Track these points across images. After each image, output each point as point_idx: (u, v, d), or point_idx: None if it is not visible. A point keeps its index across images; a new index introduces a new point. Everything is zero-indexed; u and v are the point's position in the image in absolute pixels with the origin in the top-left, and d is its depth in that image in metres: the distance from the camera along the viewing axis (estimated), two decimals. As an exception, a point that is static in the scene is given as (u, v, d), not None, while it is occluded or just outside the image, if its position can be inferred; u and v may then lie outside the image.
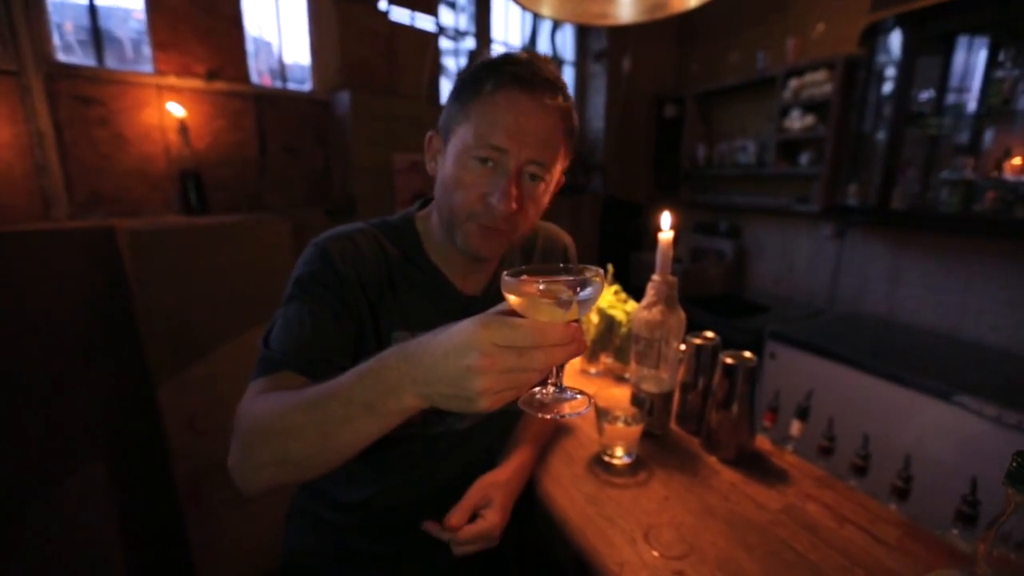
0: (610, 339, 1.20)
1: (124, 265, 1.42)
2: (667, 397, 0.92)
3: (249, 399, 0.57)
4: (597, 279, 0.43)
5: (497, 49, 2.94)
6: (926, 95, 2.02)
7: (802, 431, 1.14)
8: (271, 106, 2.05)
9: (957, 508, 0.84)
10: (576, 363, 1.25)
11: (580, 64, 3.31)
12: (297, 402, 0.51)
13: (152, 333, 1.44)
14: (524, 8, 1.19)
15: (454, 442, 0.79)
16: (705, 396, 0.92)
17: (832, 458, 1.07)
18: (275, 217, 1.72)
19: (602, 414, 0.85)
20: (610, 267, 1.20)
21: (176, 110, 1.77)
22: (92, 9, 1.69)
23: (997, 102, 1.82)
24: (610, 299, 1.21)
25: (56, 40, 1.61)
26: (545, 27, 3.14)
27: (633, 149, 3.48)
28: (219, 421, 1.50)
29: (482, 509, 0.69)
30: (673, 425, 0.97)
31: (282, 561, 0.86)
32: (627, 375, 1.18)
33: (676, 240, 0.88)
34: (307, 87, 2.23)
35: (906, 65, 2.01)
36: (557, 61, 3.22)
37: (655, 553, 0.65)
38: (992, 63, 1.85)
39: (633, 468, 0.83)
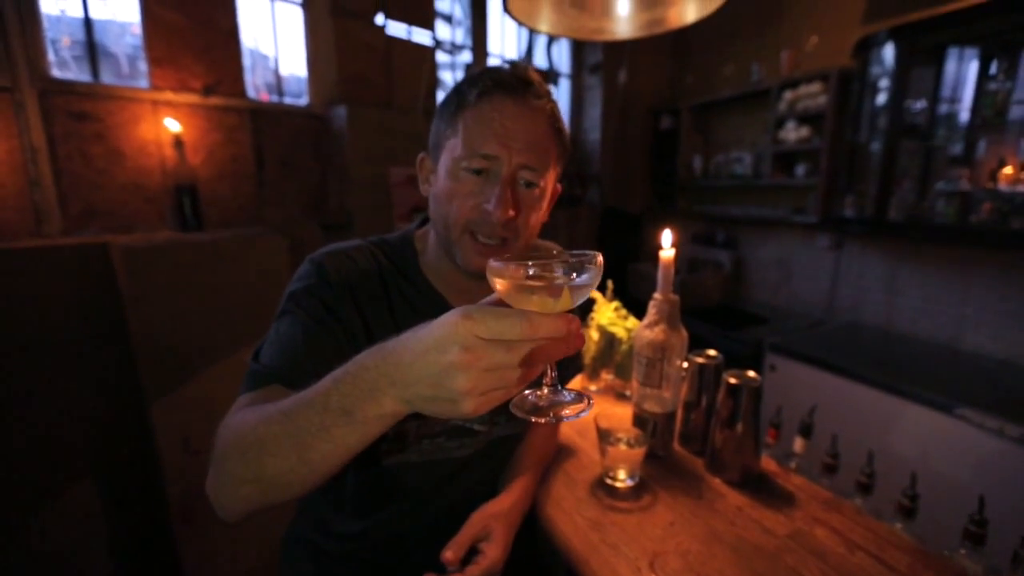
0: (611, 356, 1.19)
1: (117, 281, 1.40)
2: (670, 417, 0.90)
3: (230, 413, 0.55)
4: (592, 265, 0.39)
5: (493, 63, 2.96)
6: (919, 106, 2.04)
7: (805, 448, 1.13)
8: (267, 120, 2.04)
9: (965, 528, 0.83)
10: (576, 381, 1.24)
11: (576, 76, 3.33)
12: (272, 413, 0.48)
13: (146, 350, 1.42)
14: (521, 24, 1.19)
15: (453, 471, 0.77)
16: (708, 416, 0.91)
17: (836, 475, 1.06)
18: (271, 233, 1.71)
19: (604, 436, 0.84)
20: (609, 284, 1.19)
21: (172, 125, 1.77)
22: (88, 24, 1.69)
23: (991, 114, 1.84)
24: (610, 316, 1.19)
25: (51, 56, 1.60)
26: (541, 41, 3.16)
27: (630, 161, 3.49)
28: (214, 441, 1.47)
29: (481, 543, 0.67)
30: (676, 445, 0.95)
31: (277, 590, 0.83)
32: (628, 392, 1.17)
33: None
34: (303, 101, 2.23)
35: (900, 77, 2.03)
36: (553, 74, 3.24)
37: (661, 583, 0.63)
38: (984, 75, 1.87)
39: (637, 491, 0.82)
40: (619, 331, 1.16)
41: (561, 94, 3.35)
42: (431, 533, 0.68)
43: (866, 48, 2.14)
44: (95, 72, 1.71)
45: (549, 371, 0.43)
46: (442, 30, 2.68)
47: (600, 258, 0.40)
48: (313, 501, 0.81)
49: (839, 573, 0.65)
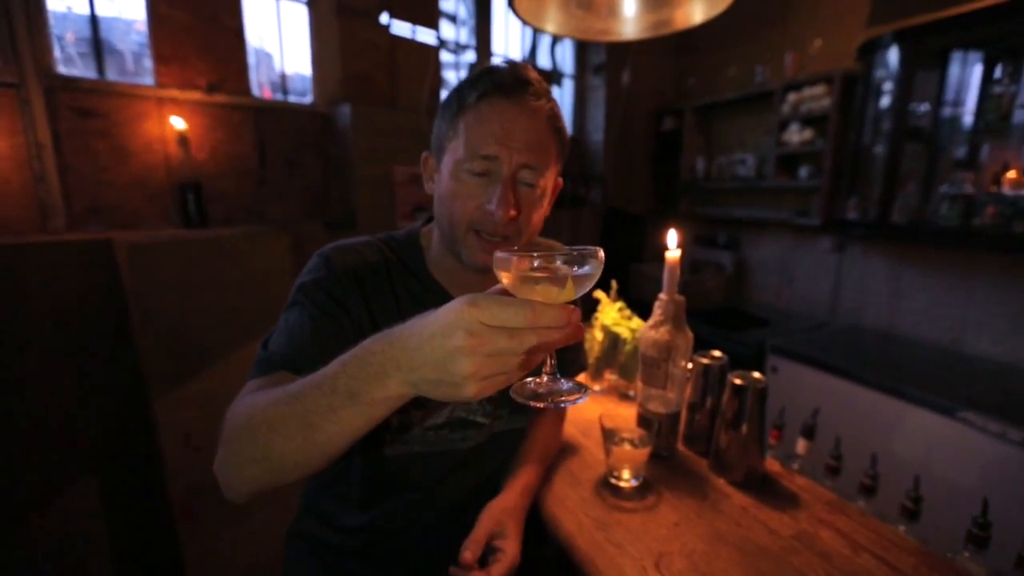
0: (614, 356, 1.19)
1: (121, 278, 1.40)
2: (674, 418, 0.90)
3: (239, 397, 0.57)
4: (594, 258, 0.41)
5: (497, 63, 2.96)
6: (923, 109, 2.04)
7: (808, 449, 1.13)
8: (272, 118, 2.04)
9: (968, 530, 0.83)
10: (580, 380, 1.24)
11: (579, 77, 3.33)
12: (280, 395, 0.49)
13: (149, 347, 1.42)
14: (527, 24, 1.19)
15: (457, 464, 0.77)
16: (713, 416, 0.91)
17: (839, 477, 1.06)
18: (274, 230, 1.71)
19: (609, 435, 0.84)
20: (613, 284, 1.19)
21: (177, 122, 1.77)
22: (94, 21, 1.69)
23: (995, 117, 1.83)
24: (614, 316, 1.20)
25: (57, 52, 1.61)
26: (545, 41, 3.16)
27: (633, 161, 3.49)
28: (216, 438, 1.47)
29: (496, 539, 0.67)
30: (680, 446, 0.96)
31: (280, 584, 0.84)
32: (631, 392, 1.17)
33: (679, 255, 0.87)
34: (308, 99, 2.23)
35: (904, 80, 2.03)
36: (557, 74, 3.24)
37: (667, 583, 0.63)
38: (988, 79, 1.87)
39: (641, 491, 0.82)
40: (623, 331, 1.17)
41: (564, 95, 3.35)
42: (434, 527, 0.68)
43: (870, 51, 2.14)
44: (100, 69, 1.72)
45: (549, 360, 0.45)
46: (446, 30, 2.69)
47: (601, 252, 0.41)
48: (317, 496, 0.82)
49: (844, 575, 0.65)
